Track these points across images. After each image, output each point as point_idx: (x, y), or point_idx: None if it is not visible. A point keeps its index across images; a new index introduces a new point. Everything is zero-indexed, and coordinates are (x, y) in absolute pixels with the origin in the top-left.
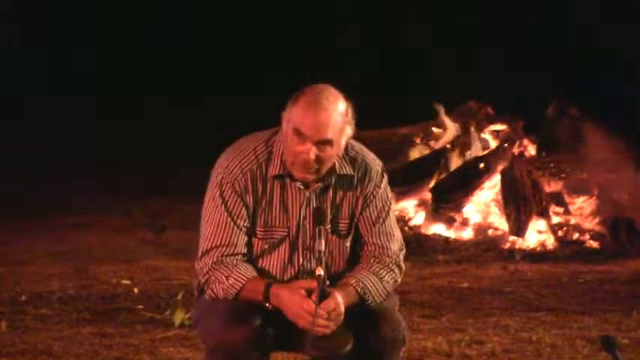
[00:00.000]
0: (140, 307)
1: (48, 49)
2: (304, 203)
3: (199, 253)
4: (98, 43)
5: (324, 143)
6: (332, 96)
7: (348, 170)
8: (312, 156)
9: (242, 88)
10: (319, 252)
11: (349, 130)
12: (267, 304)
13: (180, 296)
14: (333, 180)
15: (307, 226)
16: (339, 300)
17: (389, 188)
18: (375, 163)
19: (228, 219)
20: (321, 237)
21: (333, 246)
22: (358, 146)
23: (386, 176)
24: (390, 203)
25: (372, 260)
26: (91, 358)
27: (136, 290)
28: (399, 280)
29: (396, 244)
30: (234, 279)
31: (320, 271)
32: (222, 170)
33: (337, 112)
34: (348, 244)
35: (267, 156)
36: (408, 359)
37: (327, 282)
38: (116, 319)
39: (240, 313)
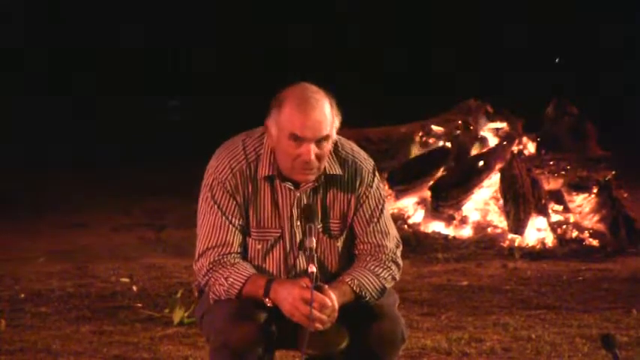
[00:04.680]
0: (139, 305)
1: (48, 49)
2: (294, 203)
3: (196, 255)
4: (96, 44)
5: (322, 140)
6: (316, 93)
7: (337, 170)
8: (313, 156)
9: (241, 88)
10: (310, 249)
11: (337, 122)
12: (266, 300)
13: (179, 294)
14: (323, 180)
15: (299, 225)
16: (333, 297)
17: (382, 186)
18: (366, 163)
19: (223, 218)
20: (312, 234)
21: (324, 246)
22: (349, 146)
23: (377, 175)
24: (384, 201)
25: (367, 258)
26: (90, 356)
27: (135, 288)
28: (398, 276)
29: (392, 241)
30: (234, 279)
31: (312, 269)
32: (213, 171)
33: (326, 107)
34: (339, 244)
35: (256, 156)
36: (408, 357)
37: (323, 284)
38: (115, 317)
39: (244, 311)
